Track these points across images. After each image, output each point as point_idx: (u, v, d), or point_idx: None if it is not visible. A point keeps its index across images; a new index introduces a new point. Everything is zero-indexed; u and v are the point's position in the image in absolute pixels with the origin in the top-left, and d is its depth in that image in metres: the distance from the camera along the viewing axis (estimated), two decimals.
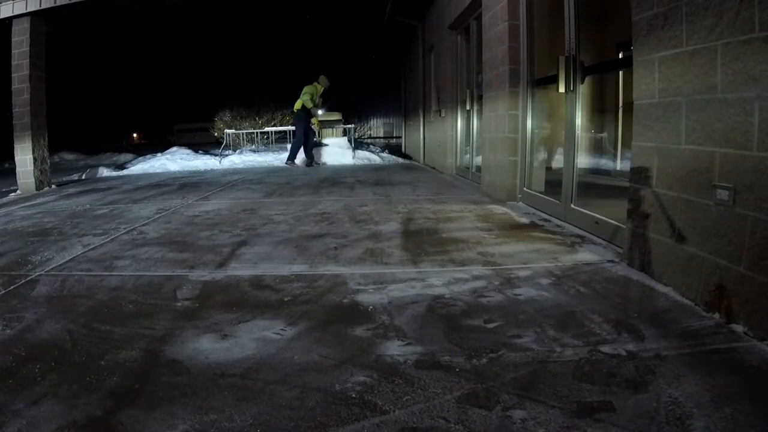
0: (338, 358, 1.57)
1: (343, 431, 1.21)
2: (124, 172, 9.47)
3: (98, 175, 9.02)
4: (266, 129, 12.18)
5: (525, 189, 4.23)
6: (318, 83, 9.19)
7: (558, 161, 3.66)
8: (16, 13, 6.87)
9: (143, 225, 3.82)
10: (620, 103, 5.28)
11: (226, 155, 10.41)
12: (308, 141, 9.10)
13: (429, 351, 1.59)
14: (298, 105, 9.03)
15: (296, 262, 2.64)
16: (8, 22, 6.93)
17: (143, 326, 1.86)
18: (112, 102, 23.37)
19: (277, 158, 10.13)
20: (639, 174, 2.27)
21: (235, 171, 8.95)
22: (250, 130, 12.60)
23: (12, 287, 2.38)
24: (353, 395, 1.35)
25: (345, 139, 10.65)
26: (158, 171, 9.43)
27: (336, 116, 12.50)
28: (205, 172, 9.06)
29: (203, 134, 19.76)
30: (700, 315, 1.80)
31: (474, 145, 6.16)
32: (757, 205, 1.60)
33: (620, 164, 5.37)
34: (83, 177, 8.93)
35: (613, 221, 2.80)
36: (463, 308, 1.94)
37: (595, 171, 5.72)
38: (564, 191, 3.43)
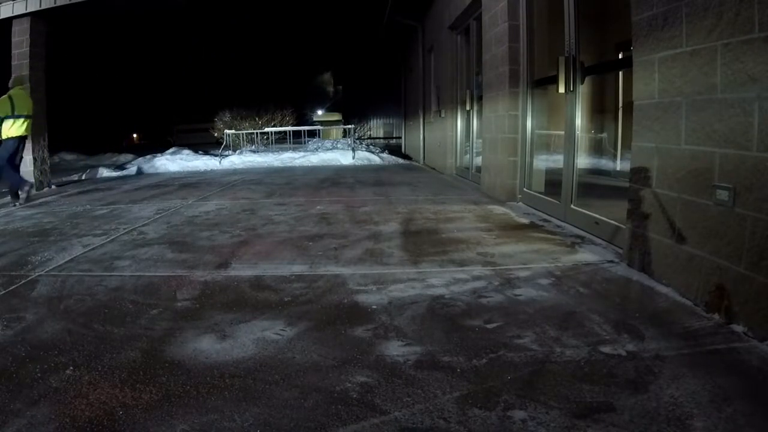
0: (338, 358, 1.57)
1: (343, 431, 1.21)
2: (124, 172, 9.46)
3: (98, 176, 9.01)
4: (266, 129, 12.18)
5: (525, 189, 4.23)
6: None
7: (558, 162, 3.65)
8: (16, 13, 6.88)
9: (143, 225, 3.82)
10: (620, 104, 5.28)
11: (226, 156, 10.41)
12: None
13: (429, 351, 1.59)
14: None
15: (296, 263, 2.64)
16: (8, 22, 6.93)
17: (143, 326, 1.86)
18: (111, 102, 23.34)
19: (277, 159, 10.15)
20: (639, 174, 2.27)
21: (235, 171, 8.96)
22: (250, 131, 12.60)
23: (12, 287, 2.38)
24: (353, 395, 1.35)
25: (345, 140, 10.66)
26: (158, 171, 9.43)
27: (336, 117, 12.51)
28: (205, 172, 9.06)
29: (203, 134, 19.76)
30: (700, 315, 1.80)
31: (474, 146, 6.16)
32: (757, 205, 1.60)
33: (620, 165, 5.37)
34: (83, 177, 8.92)
35: (613, 221, 2.80)
36: (463, 308, 1.94)
37: (595, 171, 5.71)
38: (564, 192, 3.43)
